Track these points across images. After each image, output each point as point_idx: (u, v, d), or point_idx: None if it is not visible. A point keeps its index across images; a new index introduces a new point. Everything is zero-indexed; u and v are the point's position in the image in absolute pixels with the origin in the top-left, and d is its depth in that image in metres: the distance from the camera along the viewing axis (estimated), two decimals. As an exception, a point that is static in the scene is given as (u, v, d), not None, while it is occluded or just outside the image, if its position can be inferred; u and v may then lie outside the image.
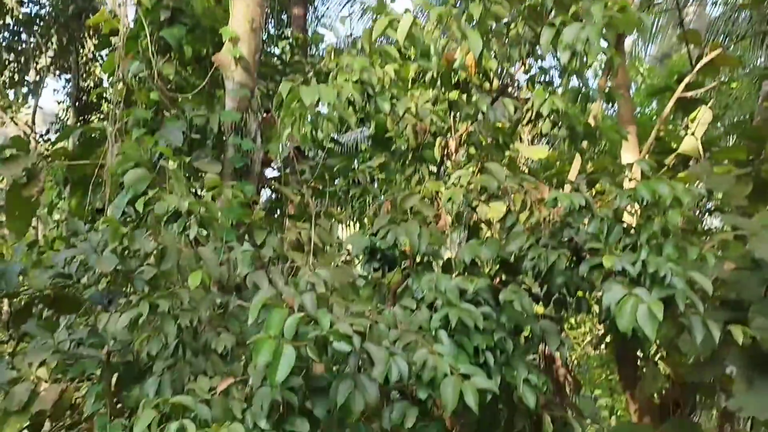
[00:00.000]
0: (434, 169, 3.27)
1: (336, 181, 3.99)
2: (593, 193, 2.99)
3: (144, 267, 2.82)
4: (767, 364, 3.79)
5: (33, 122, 10.02)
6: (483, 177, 2.79)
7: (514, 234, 2.83)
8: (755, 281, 4.28)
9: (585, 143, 3.32)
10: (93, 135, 4.80)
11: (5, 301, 4.60)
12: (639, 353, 6.10)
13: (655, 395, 5.87)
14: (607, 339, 7.45)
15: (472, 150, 3.21)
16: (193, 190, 3.26)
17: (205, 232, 2.62)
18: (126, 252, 2.62)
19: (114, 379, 3.73)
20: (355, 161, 4.58)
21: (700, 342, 4.36)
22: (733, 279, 4.31)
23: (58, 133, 9.39)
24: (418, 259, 2.98)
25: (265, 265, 2.69)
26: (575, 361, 9.23)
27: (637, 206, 2.76)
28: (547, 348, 6.55)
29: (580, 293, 2.96)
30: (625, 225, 2.82)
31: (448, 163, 3.24)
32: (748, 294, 4.41)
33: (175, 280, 2.68)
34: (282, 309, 2.21)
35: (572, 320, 8.75)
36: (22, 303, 4.43)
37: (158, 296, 2.45)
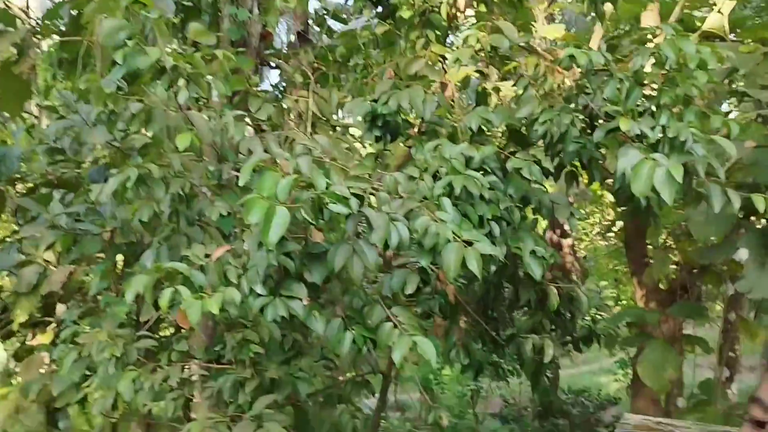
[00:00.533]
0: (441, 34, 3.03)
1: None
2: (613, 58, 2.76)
3: (135, 135, 2.69)
4: (781, 244, 3.67)
5: (27, 7, 9.61)
6: (493, 36, 2.57)
7: (525, 99, 2.64)
8: (774, 159, 4.11)
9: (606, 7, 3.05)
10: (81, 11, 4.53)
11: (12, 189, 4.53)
12: (647, 241, 6.07)
13: (663, 282, 5.87)
14: (617, 226, 7.40)
15: (483, 8, 2.96)
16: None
17: (196, 97, 2.46)
18: (113, 118, 2.46)
19: (120, 261, 3.72)
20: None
21: (717, 213, 4.28)
22: (752, 159, 4.14)
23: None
24: (422, 128, 2.82)
25: (259, 132, 2.54)
26: (583, 252, 9.25)
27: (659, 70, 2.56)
28: (554, 235, 6.52)
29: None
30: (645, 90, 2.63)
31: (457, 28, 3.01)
32: (765, 175, 4.26)
33: (166, 148, 2.55)
34: (276, 171, 2.09)
35: (581, 210, 8.67)
36: (26, 188, 4.37)
37: (147, 160, 2.33)
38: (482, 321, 3.28)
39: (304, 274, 2.26)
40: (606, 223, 9.06)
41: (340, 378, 3.44)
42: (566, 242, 6.73)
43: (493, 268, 2.66)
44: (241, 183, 2.11)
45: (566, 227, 6.75)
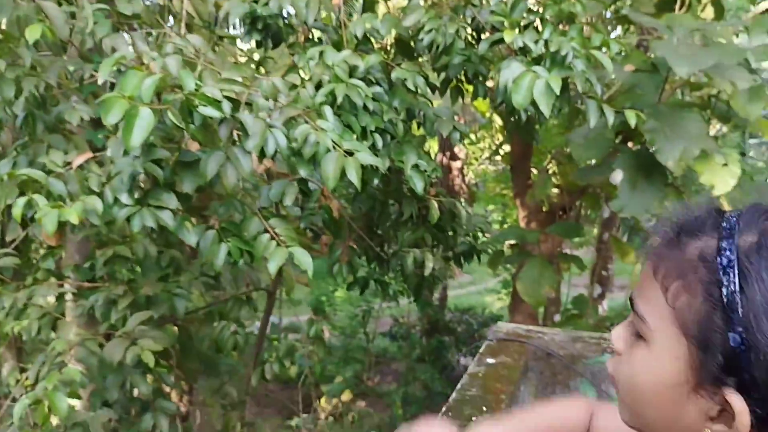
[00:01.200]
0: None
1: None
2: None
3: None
4: (652, 166, 3.88)
5: None
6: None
7: (413, 7, 2.56)
8: (652, 84, 4.29)
9: None
10: None
11: None
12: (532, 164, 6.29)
13: (544, 203, 6.13)
14: (504, 149, 7.60)
15: None
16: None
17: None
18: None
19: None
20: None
21: (596, 136, 4.43)
22: (632, 81, 4.30)
23: None
24: (307, 35, 2.69)
25: (125, 27, 2.32)
26: (473, 176, 9.50)
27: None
28: (444, 158, 6.61)
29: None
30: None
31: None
32: (644, 99, 4.45)
33: (18, 44, 2.27)
34: (140, 70, 1.91)
35: (473, 135, 8.83)
36: None
37: (-9, 53, 2.07)
38: (367, 237, 3.28)
39: (177, 184, 2.13)
40: (495, 148, 9.28)
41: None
42: (455, 165, 6.88)
43: (376, 181, 2.64)
44: (99, 82, 1.92)
45: (456, 151, 6.88)
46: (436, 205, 2.80)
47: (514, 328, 2.74)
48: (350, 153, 2.16)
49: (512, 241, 6.12)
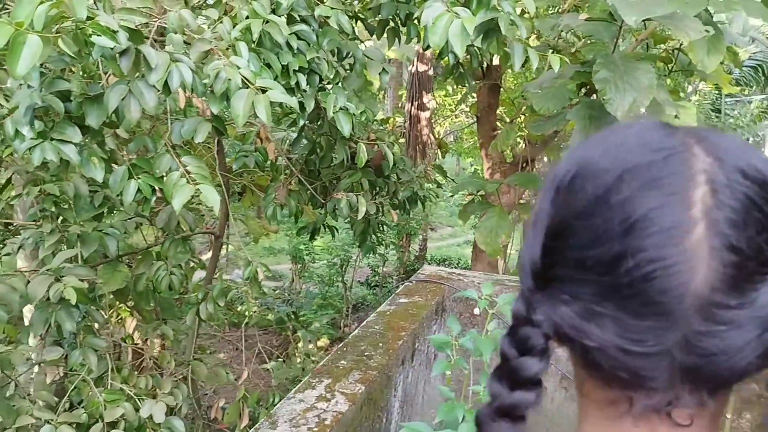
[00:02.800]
0: None
1: None
2: None
3: None
4: (605, 117, 3.85)
5: None
6: None
7: (339, -58, 2.49)
8: (607, 35, 4.23)
9: None
10: None
11: None
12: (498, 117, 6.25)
13: (509, 154, 6.12)
14: (472, 100, 7.53)
15: None
16: None
17: None
18: None
19: None
20: None
21: (555, 87, 4.39)
22: (588, 31, 4.25)
23: None
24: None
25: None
26: (447, 128, 9.45)
27: None
28: (412, 108, 6.54)
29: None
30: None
31: None
32: (598, 48, 4.40)
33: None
34: (37, -1, 1.86)
35: (448, 88, 8.75)
36: None
37: None
38: (306, 180, 3.28)
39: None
40: (473, 100, 9.20)
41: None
42: (423, 115, 6.82)
43: (302, 122, 2.63)
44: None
45: (425, 100, 6.81)
46: (363, 148, 2.78)
47: (437, 270, 2.78)
48: (264, 91, 2.13)
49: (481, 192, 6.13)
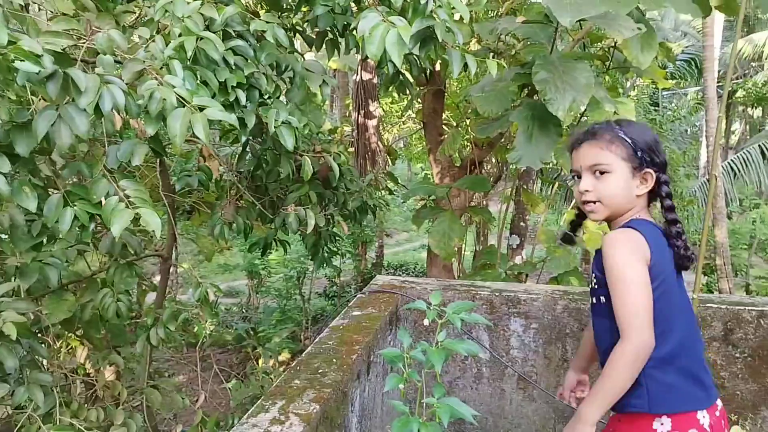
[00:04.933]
0: None
1: None
2: None
3: None
4: (546, 117, 3.91)
5: None
6: None
7: (271, -45, 2.47)
8: (545, 36, 4.30)
9: None
10: None
11: None
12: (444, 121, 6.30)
13: (457, 158, 6.17)
14: (418, 106, 7.58)
15: None
16: None
17: None
18: None
19: None
20: None
21: (497, 90, 4.43)
22: (526, 33, 4.31)
23: None
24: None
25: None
26: (395, 134, 9.48)
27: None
28: (359, 116, 6.53)
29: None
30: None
31: None
32: (537, 49, 4.47)
33: None
34: (-45, 25, 1.78)
35: (394, 95, 8.77)
36: None
37: None
38: (253, 196, 3.22)
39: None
40: (419, 106, 9.27)
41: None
42: (371, 123, 6.81)
43: (244, 138, 2.59)
44: None
45: (371, 108, 6.81)
46: (308, 161, 2.75)
47: (390, 280, 2.77)
48: (202, 109, 2.09)
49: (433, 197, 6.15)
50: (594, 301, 1.74)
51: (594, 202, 1.71)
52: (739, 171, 11.74)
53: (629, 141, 1.68)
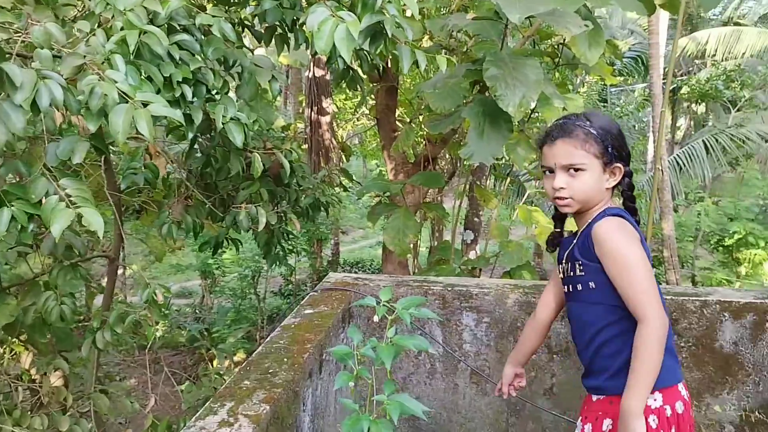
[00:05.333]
0: None
1: None
2: None
3: None
4: (497, 113, 3.94)
5: None
6: None
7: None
8: (495, 33, 4.33)
9: None
10: None
11: None
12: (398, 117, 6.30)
13: (411, 155, 6.18)
14: (371, 102, 7.58)
15: None
16: None
17: None
18: None
19: None
20: None
21: (449, 86, 4.44)
22: (476, 30, 4.34)
23: None
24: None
25: None
26: (349, 131, 9.45)
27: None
28: (312, 113, 6.49)
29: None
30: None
31: None
32: (488, 46, 4.50)
33: None
34: None
35: (347, 91, 8.74)
36: None
37: None
38: (203, 195, 3.16)
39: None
40: (372, 103, 9.26)
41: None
42: (324, 120, 6.78)
43: (191, 135, 2.53)
44: None
45: (324, 105, 6.77)
46: (258, 158, 2.71)
47: (343, 277, 2.75)
48: (145, 104, 2.03)
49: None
50: (579, 288, 1.77)
51: (567, 198, 1.77)
52: (685, 165, 12.10)
53: (601, 137, 1.74)
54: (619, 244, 1.65)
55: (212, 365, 8.33)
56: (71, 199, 2.03)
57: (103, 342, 2.96)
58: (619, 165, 1.77)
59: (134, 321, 3.02)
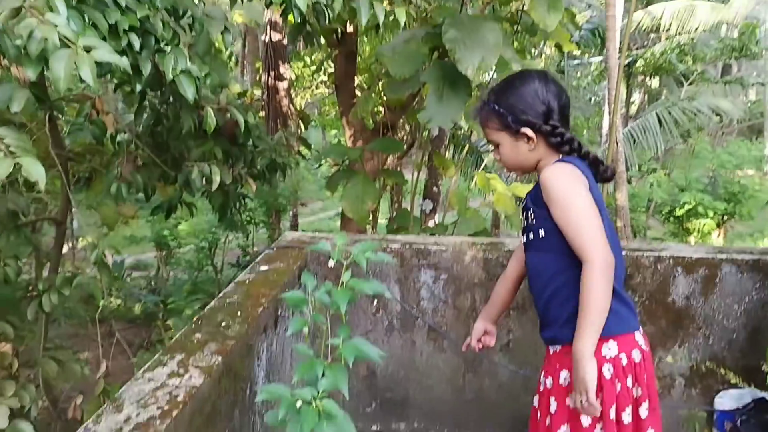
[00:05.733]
0: None
1: None
2: None
3: None
4: (456, 77, 3.91)
5: None
6: None
7: None
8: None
9: None
10: None
11: None
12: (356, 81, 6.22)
13: (369, 121, 6.12)
14: (330, 70, 7.47)
15: None
16: None
17: None
18: None
19: None
20: None
21: (407, 50, 4.39)
22: (435, -6, 4.28)
23: None
24: None
25: None
26: (307, 99, 9.31)
27: None
28: (270, 78, 6.35)
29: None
30: None
31: None
32: (448, 11, 4.46)
33: None
34: None
35: (306, 58, 8.60)
36: None
37: None
38: (154, 154, 3.05)
39: None
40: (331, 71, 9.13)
41: None
42: (281, 86, 6.65)
43: (140, 88, 2.43)
44: None
45: (281, 71, 6.63)
46: (211, 112, 2.62)
47: (300, 236, 2.71)
48: (89, 50, 1.93)
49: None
50: (531, 237, 1.77)
51: (507, 166, 1.90)
52: (638, 138, 12.32)
53: (500, 112, 1.79)
54: (562, 188, 1.67)
55: (167, 335, 8.20)
56: (10, 149, 1.93)
57: (50, 305, 2.85)
58: (525, 131, 1.78)
59: (85, 290, 2.93)
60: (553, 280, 1.74)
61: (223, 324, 1.77)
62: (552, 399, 1.76)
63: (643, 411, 1.73)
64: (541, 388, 1.84)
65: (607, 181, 1.88)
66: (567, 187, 1.67)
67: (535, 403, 1.87)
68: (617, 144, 9.12)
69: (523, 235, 1.86)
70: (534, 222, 1.75)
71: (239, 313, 1.85)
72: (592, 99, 14.03)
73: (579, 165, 1.75)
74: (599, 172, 1.82)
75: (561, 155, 1.79)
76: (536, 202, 1.74)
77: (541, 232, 1.73)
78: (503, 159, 1.86)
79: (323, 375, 1.30)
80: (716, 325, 2.59)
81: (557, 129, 1.77)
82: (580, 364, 1.58)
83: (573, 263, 1.65)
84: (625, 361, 1.69)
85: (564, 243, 1.66)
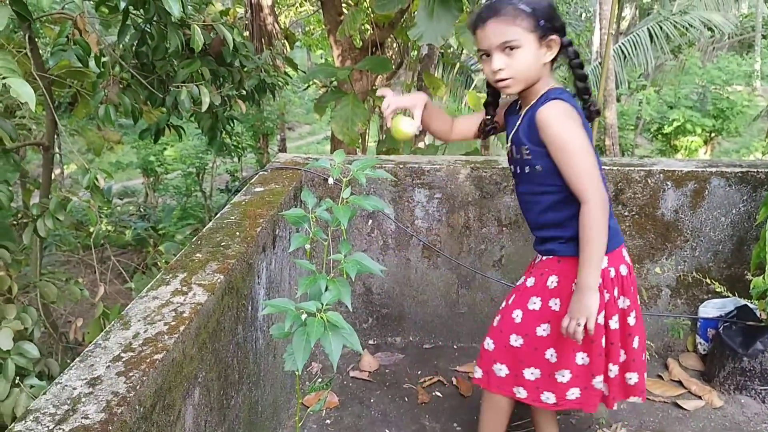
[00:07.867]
0: None
1: None
2: None
3: None
4: (447, -7, 3.79)
5: None
6: None
7: None
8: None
9: None
10: None
11: None
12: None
13: (357, 39, 5.97)
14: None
15: None
16: None
17: None
18: None
19: None
20: None
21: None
22: None
23: None
24: None
25: None
26: (292, 17, 9.03)
27: None
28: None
29: None
30: None
31: None
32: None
33: None
34: None
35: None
36: None
37: None
38: (140, 75, 2.99)
39: None
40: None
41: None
42: (266, 3, 6.43)
43: (123, 4, 2.35)
44: None
45: (266, -14, 6.39)
46: (198, 30, 2.55)
47: (293, 157, 2.69)
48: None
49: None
50: (527, 170, 1.77)
51: (507, 78, 1.72)
52: (629, 54, 12.15)
53: (531, 11, 1.67)
54: (562, 129, 1.66)
55: (159, 263, 8.27)
56: (-5, 70, 1.88)
57: (45, 229, 2.86)
58: (554, 37, 1.70)
59: (74, 216, 2.92)
60: (551, 210, 1.78)
61: (223, 244, 1.79)
62: (535, 297, 1.83)
63: (632, 320, 1.82)
64: (518, 284, 1.92)
65: (592, 120, 1.81)
66: (567, 128, 1.66)
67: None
68: (608, 60, 9.01)
69: (511, 165, 1.86)
70: (530, 158, 1.75)
71: (238, 233, 1.87)
72: (583, 15, 13.72)
73: (571, 100, 1.73)
74: (586, 106, 1.80)
75: (552, 85, 1.76)
76: (532, 139, 1.72)
77: (538, 167, 1.74)
78: (515, 67, 1.69)
79: (326, 288, 1.33)
80: (703, 237, 2.64)
81: (573, 43, 1.77)
82: (584, 295, 1.65)
83: (570, 194, 1.69)
84: (612, 274, 1.76)
85: (560, 177, 1.69)
